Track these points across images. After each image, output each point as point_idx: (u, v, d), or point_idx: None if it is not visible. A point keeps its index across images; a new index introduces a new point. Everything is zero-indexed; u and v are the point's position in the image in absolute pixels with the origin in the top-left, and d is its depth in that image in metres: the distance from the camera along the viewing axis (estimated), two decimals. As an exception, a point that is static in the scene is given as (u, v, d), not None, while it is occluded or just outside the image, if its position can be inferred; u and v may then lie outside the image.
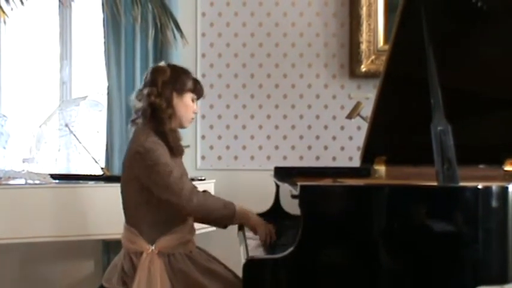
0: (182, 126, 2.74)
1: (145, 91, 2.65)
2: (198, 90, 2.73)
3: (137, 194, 2.61)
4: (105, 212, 3.37)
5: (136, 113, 2.70)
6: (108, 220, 3.37)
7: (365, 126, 2.95)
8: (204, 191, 2.86)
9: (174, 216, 2.62)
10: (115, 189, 3.48)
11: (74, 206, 3.36)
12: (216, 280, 2.62)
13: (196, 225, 2.79)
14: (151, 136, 2.60)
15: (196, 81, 2.74)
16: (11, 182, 3.48)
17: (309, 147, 4.30)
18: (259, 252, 2.55)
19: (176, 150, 2.68)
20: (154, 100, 2.62)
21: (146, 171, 2.55)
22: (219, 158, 4.29)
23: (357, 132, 4.15)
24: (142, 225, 2.61)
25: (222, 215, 2.62)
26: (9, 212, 3.24)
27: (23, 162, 3.85)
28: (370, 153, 2.85)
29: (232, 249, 2.83)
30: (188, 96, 2.69)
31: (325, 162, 4.26)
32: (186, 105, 2.69)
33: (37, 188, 3.41)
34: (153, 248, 2.58)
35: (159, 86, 2.64)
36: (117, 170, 4.04)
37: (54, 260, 4.19)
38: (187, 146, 2.82)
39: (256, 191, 3.71)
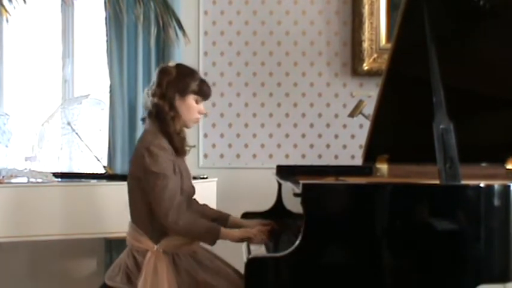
0: (186, 127, 2.75)
1: (151, 92, 2.68)
2: (202, 92, 2.71)
3: (141, 194, 2.61)
4: (108, 211, 3.37)
5: (145, 111, 2.74)
6: (110, 218, 3.37)
7: (367, 124, 2.95)
8: (204, 205, 2.90)
9: None
10: (117, 187, 3.49)
11: (76, 205, 3.36)
12: (222, 278, 2.63)
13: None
14: (158, 137, 2.62)
15: (201, 83, 2.71)
16: (14, 180, 3.48)
17: (311, 146, 4.30)
18: (261, 251, 2.56)
19: (181, 151, 2.71)
20: (157, 102, 2.65)
21: (146, 176, 2.57)
22: (221, 156, 4.29)
23: (359, 131, 4.14)
24: (147, 224, 2.62)
25: (204, 238, 2.62)
26: (11, 211, 3.24)
27: (26, 160, 3.85)
28: (372, 151, 2.85)
29: (235, 249, 2.82)
30: (191, 98, 2.68)
31: (327, 160, 4.26)
32: (189, 107, 2.68)
33: (39, 186, 3.42)
34: (157, 247, 2.60)
35: (163, 87, 2.65)
36: (119, 168, 4.04)
37: (56, 258, 4.19)
38: (193, 146, 2.86)
39: (259, 189, 3.71)
